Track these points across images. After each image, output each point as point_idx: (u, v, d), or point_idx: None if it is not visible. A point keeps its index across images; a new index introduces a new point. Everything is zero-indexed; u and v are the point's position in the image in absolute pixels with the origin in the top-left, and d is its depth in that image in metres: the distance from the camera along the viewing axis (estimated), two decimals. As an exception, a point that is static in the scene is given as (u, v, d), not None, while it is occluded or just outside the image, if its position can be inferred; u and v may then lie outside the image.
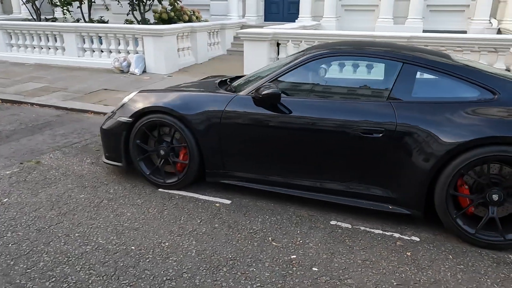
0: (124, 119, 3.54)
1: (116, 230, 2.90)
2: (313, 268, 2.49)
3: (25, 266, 2.48)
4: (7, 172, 3.89)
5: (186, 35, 9.70)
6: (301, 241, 2.79)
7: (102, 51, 9.81)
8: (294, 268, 2.49)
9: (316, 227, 2.98)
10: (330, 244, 2.75)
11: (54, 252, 2.62)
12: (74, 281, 2.36)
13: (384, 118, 2.83)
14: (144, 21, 11.04)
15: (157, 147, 3.51)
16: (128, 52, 9.49)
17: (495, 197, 2.64)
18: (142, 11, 11.17)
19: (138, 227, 2.95)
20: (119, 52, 9.57)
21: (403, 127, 2.78)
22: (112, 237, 2.80)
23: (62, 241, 2.75)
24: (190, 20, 11.40)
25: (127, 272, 2.43)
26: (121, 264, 2.51)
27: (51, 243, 2.73)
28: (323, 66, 3.22)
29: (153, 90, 3.72)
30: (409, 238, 2.84)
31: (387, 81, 2.98)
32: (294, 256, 2.61)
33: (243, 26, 12.36)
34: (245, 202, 3.34)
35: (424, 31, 10.39)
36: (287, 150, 3.12)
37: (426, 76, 2.90)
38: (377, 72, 3.05)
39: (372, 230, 2.94)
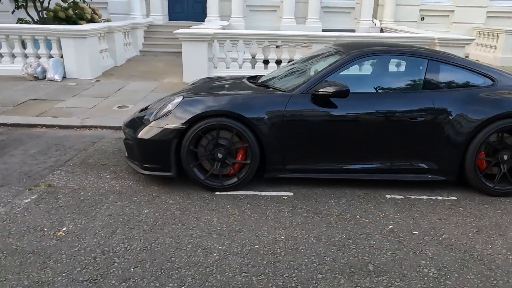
0: (176, 126, 3.44)
1: (222, 234, 2.91)
2: (414, 232, 3.01)
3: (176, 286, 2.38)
4: (27, 201, 3.35)
5: (103, 36, 9.02)
6: (382, 214, 3.27)
7: (2, 56, 8.42)
8: (401, 235, 2.96)
9: (380, 202, 3.49)
10: (405, 213, 3.30)
11: (188, 266, 2.54)
12: (240, 285, 2.39)
13: (424, 104, 3.50)
14: (43, 20, 9.76)
15: (214, 151, 3.52)
16: (38, 57, 8.37)
17: (505, 157, 3.56)
18: (39, 9, 9.85)
19: (238, 228, 3.00)
20: (26, 57, 8.39)
21: (440, 111, 3.49)
22: (226, 241, 2.82)
23: (183, 254, 2.66)
24: (92, 20, 10.52)
25: (278, 267, 2.55)
26: (265, 262, 2.60)
27: (172, 258, 2.62)
28: (366, 63, 3.71)
29: (199, 95, 3.67)
30: (449, 198, 3.59)
31: (419, 75, 3.66)
32: (391, 226, 3.08)
33: (150, 26, 12.00)
34: (304, 192, 3.65)
35: (322, 30, 11.77)
36: (345, 139, 3.55)
37: (446, 68, 3.66)
38: (409, 68, 3.69)
39: (421, 197, 3.60)
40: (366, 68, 3.67)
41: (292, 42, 8.19)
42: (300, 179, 3.72)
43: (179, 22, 12.60)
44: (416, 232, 3.01)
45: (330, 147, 3.57)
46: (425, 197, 3.60)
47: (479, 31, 12.05)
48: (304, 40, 8.12)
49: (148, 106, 4.24)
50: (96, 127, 5.56)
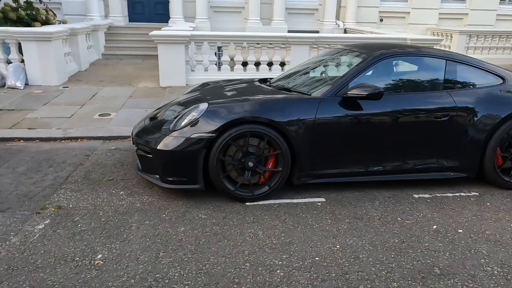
0: (205, 135, 3.22)
1: (275, 248, 2.75)
2: (459, 230, 3.05)
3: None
4: (40, 227, 2.95)
5: (65, 38, 8.36)
6: (420, 215, 3.29)
7: (-51, 62, 7.50)
8: (449, 235, 2.98)
9: (412, 202, 3.51)
10: (440, 211, 3.34)
11: (257, 287, 2.36)
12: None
13: (448, 104, 3.58)
14: (-6, 22, 8.83)
15: (244, 160, 3.33)
16: (-6, 62, 7.56)
17: (519, 151, 3.75)
18: (-12, 10, 8.89)
19: (288, 240, 2.86)
20: (-22, 62, 7.53)
21: (461, 110, 3.59)
22: (283, 256, 2.66)
23: (245, 274, 2.46)
24: (47, 21, 9.72)
25: (349, 279, 2.44)
26: (334, 275, 2.49)
27: (236, 279, 2.41)
28: (388, 64, 3.70)
29: (225, 101, 3.46)
30: (472, 194, 3.70)
31: (439, 75, 3.73)
32: (435, 226, 3.10)
33: (110, 28, 11.36)
34: (334, 196, 3.58)
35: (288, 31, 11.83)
36: (374, 141, 3.52)
37: (462, 68, 3.77)
38: (429, 68, 3.74)
39: (447, 195, 3.67)
40: (389, 69, 3.68)
41: (270, 44, 8.11)
42: (324, 183, 3.63)
43: (141, 24, 12.08)
44: (461, 231, 3.05)
45: (360, 149, 3.53)
46: (450, 195, 3.68)
47: (433, 32, 12.79)
48: (282, 42, 8.08)
49: (156, 115, 3.94)
50: (82, 138, 5.10)
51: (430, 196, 3.64)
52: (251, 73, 8.15)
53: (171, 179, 3.37)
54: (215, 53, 8.08)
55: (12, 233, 2.86)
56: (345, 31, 12.37)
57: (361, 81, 3.51)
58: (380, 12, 12.91)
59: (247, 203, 3.41)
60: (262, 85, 4.13)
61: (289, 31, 11.69)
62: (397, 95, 3.59)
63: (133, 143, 3.76)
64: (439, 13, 13.13)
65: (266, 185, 3.43)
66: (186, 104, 3.85)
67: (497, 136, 3.61)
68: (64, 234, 2.87)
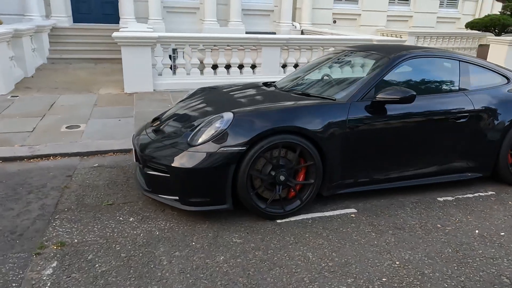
0: (234, 148, 2.85)
1: (336, 271, 2.48)
2: (501, 233, 3.01)
3: None
4: (48, 272, 2.40)
5: (8, 41, 7.37)
6: (456, 219, 3.21)
7: None
8: (494, 239, 2.93)
9: (440, 206, 3.44)
10: (472, 214, 3.30)
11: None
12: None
13: (465, 105, 3.56)
14: None
15: (275, 173, 3.02)
16: None
17: (527, 149, 3.85)
18: None
19: (344, 260, 2.60)
20: None
21: (478, 110, 3.59)
22: (347, 280, 2.40)
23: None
24: (-21, 21, 8.57)
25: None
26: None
27: None
28: (407, 66, 3.58)
29: (252, 111, 3.09)
30: (490, 194, 3.72)
31: (455, 76, 3.70)
32: (477, 231, 3.03)
33: (53, 29, 10.31)
34: (363, 206, 3.39)
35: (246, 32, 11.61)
36: (402, 145, 3.40)
37: (474, 69, 3.78)
38: (445, 69, 3.70)
39: (467, 196, 3.66)
40: (408, 70, 3.58)
41: (241, 46, 7.81)
42: (356, 192, 3.44)
43: (88, 25, 11.12)
44: (503, 233, 3.01)
45: (389, 154, 3.38)
46: (470, 195, 3.67)
47: (382, 33, 13.30)
48: (254, 43, 7.81)
49: (160, 126, 3.48)
50: (54, 155, 4.42)
51: (453, 198, 3.60)
52: (222, 76, 7.80)
53: (194, 200, 2.96)
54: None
55: (14, 285, 2.29)
56: (302, 33, 12.41)
57: (381, 84, 3.37)
58: (333, 14, 13.15)
59: (278, 221, 3.10)
60: (276, 90, 3.84)
61: (246, 33, 11.48)
62: (421, 97, 3.50)
63: (138, 161, 3.27)
64: (387, 16, 13.70)
65: (297, 199, 3.15)
66: (196, 114, 3.44)
67: (510, 136, 3.67)
68: (83, 278, 2.35)
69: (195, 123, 3.19)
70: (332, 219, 3.16)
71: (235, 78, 7.84)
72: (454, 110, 3.51)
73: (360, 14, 13.43)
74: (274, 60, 8.01)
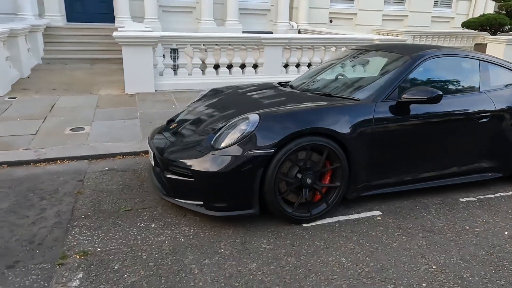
0: (262, 151, 2.76)
1: (372, 277, 2.41)
2: (531, 234, 2.98)
3: None
4: (75, 284, 2.28)
5: (4, 40, 7.15)
6: (483, 220, 3.17)
7: None
8: (525, 240, 2.90)
9: (464, 206, 3.40)
10: (498, 215, 3.27)
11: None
12: None
13: (487, 105, 3.53)
14: None
15: (301, 176, 2.94)
16: None
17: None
18: None
19: (379, 266, 2.53)
20: None
21: (499, 110, 3.56)
22: (387, 285, 2.33)
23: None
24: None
25: None
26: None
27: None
28: (428, 65, 3.52)
29: (279, 112, 3.00)
30: (511, 194, 3.70)
31: (474, 76, 3.66)
32: (507, 232, 3.00)
33: (47, 28, 10.07)
34: (387, 208, 3.34)
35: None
36: (426, 146, 3.34)
37: (493, 68, 3.75)
38: (466, 69, 3.66)
39: (489, 196, 3.63)
40: (430, 70, 3.52)
41: (243, 45, 7.71)
42: (378, 194, 3.37)
43: (82, 24, 10.89)
44: (533, 234, 2.98)
45: (414, 155, 3.33)
46: (491, 196, 3.64)
47: (378, 32, 13.32)
48: (256, 43, 7.72)
49: (178, 129, 3.37)
50: (62, 159, 4.27)
51: (475, 198, 3.57)
52: (224, 76, 7.70)
53: (219, 205, 2.86)
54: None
55: (41, 298, 2.17)
56: (299, 32, 12.36)
57: (404, 84, 3.31)
58: (330, 13, 13.13)
59: (304, 225, 3.02)
60: (295, 90, 3.76)
61: (243, 32, 11.38)
62: (445, 96, 3.45)
63: (157, 165, 3.16)
64: (383, 15, 13.73)
65: (323, 203, 3.07)
66: (217, 116, 3.34)
67: (529, 134, 3.66)
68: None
69: (218, 125, 3.09)
70: (359, 222, 3.09)
71: (237, 78, 7.74)
72: (476, 110, 3.48)
73: (356, 14, 13.43)
74: (276, 60, 7.92)
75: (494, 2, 14.09)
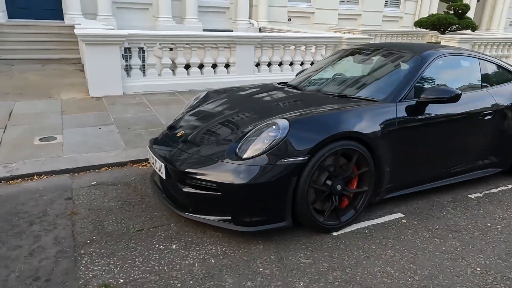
0: (296, 159, 2.56)
1: (427, 286, 2.31)
2: (548, 228, 3.07)
3: None
4: (108, 326, 1.93)
5: None
6: (499, 216, 3.22)
7: None
8: (545, 233, 2.98)
9: (476, 203, 3.45)
10: (511, 209, 3.34)
11: None
12: None
13: (490, 102, 3.61)
14: None
15: (332, 183, 2.78)
16: None
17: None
18: None
19: (427, 273, 2.44)
20: None
21: (502, 107, 3.66)
22: (444, 295, 2.25)
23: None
24: None
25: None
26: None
27: None
28: (438, 64, 3.50)
29: (306, 116, 2.79)
30: (511, 187, 3.83)
31: (477, 74, 3.73)
32: (529, 227, 3.07)
33: (-14, 25, 9.02)
34: (406, 209, 3.29)
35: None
36: (443, 145, 3.34)
37: (491, 66, 3.86)
38: (469, 67, 3.69)
39: (493, 191, 3.72)
40: (438, 69, 3.52)
41: (215, 44, 7.41)
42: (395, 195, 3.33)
43: (26, 21, 9.90)
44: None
45: (431, 155, 3.31)
46: (495, 190, 3.74)
47: (335, 31, 13.57)
48: (228, 42, 7.45)
49: (189, 136, 3.06)
50: (38, 174, 3.75)
51: (482, 194, 3.64)
52: (196, 77, 7.36)
53: (250, 219, 2.62)
54: (154, 56, 7.01)
55: None
56: (260, 30, 12.23)
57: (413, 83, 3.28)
58: (288, 12, 13.15)
59: (334, 233, 2.87)
60: (304, 91, 3.60)
61: (203, 31, 11.02)
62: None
63: (169, 177, 2.84)
64: (339, 14, 14.02)
65: (351, 209, 2.95)
66: (233, 121, 3.07)
67: (527, 130, 3.81)
68: (156, 329, 1.93)
69: (238, 132, 2.84)
70: (386, 226, 3.00)
71: (209, 78, 7.43)
72: (482, 107, 3.54)
73: (313, 13, 13.58)
74: (248, 59, 7.71)
75: (437, 3, 14.98)
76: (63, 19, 10.19)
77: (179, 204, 2.86)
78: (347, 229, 2.93)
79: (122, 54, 7.10)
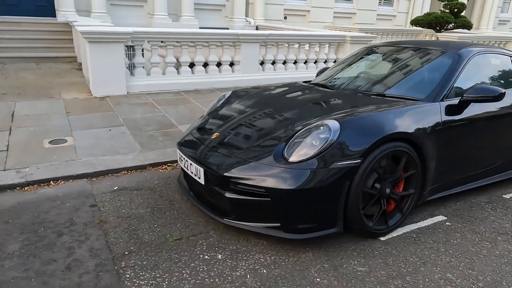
0: (349, 162, 2.43)
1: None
2: None
3: None
4: None
5: None
6: (541, 217, 3.17)
7: None
8: None
9: (513, 204, 3.40)
10: (548, 210, 3.30)
11: None
12: None
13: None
14: None
15: (381, 186, 2.66)
16: None
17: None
18: None
19: (489, 279, 2.35)
20: None
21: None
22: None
23: None
24: None
25: None
26: None
27: None
28: (473, 62, 3.41)
29: (356, 116, 2.66)
30: (540, 187, 3.80)
31: (509, 71, 3.66)
32: None
33: (-25, 22, 8.61)
34: (446, 211, 3.20)
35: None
36: (485, 144, 3.28)
37: (520, 64, 3.81)
38: (502, 65, 3.62)
39: (524, 191, 3.68)
40: (475, 67, 3.43)
41: (220, 42, 7.22)
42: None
43: (17, 18, 9.49)
44: None
45: (472, 154, 3.24)
46: (527, 190, 3.70)
47: (330, 29, 13.52)
48: (233, 40, 7.27)
49: (225, 139, 2.89)
50: (55, 179, 3.53)
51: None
52: (201, 76, 7.16)
53: (300, 226, 2.47)
54: (158, 55, 6.77)
55: None
56: (257, 28, 12.07)
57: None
58: (284, 10, 13.03)
59: (381, 238, 2.75)
60: (339, 91, 3.47)
61: (199, 28, 10.81)
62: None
63: (208, 182, 2.67)
64: (334, 12, 13.97)
65: (397, 213, 2.83)
66: (269, 122, 2.92)
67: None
68: None
69: (283, 135, 2.68)
70: (432, 230, 2.90)
71: (215, 77, 7.25)
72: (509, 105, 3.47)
73: (309, 11, 13.50)
74: (253, 57, 7.55)
75: (430, 2, 15.10)
76: (55, 16, 9.82)
77: (218, 210, 2.70)
78: (394, 234, 2.81)
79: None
